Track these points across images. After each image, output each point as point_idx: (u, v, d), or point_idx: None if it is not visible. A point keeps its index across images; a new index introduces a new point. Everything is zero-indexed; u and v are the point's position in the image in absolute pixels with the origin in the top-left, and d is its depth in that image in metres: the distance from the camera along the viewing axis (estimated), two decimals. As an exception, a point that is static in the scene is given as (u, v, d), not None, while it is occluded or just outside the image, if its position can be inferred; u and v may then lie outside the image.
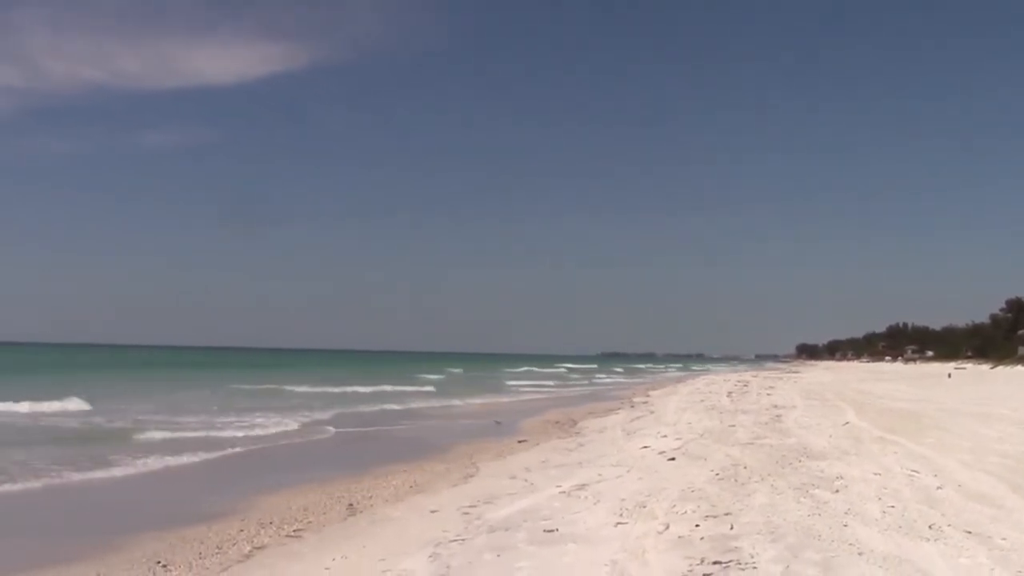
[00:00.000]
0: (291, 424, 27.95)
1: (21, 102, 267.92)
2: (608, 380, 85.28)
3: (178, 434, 23.87)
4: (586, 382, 79.36)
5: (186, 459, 19.54)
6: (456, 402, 43.59)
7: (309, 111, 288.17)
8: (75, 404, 32.84)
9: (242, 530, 12.14)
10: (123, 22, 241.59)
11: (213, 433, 24.66)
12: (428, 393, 50.79)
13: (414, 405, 40.57)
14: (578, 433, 24.98)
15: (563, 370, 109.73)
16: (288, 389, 49.12)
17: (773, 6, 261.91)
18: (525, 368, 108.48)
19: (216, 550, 10.98)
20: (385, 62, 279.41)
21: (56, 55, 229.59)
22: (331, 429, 27.50)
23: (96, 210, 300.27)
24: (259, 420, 28.76)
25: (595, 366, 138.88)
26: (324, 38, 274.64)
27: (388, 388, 53.38)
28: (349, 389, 50.23)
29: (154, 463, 18.73)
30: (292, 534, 11.82)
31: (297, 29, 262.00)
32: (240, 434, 24.67)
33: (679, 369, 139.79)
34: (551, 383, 73.41)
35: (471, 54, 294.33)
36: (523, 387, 63.38)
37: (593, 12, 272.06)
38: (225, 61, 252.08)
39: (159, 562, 10.40)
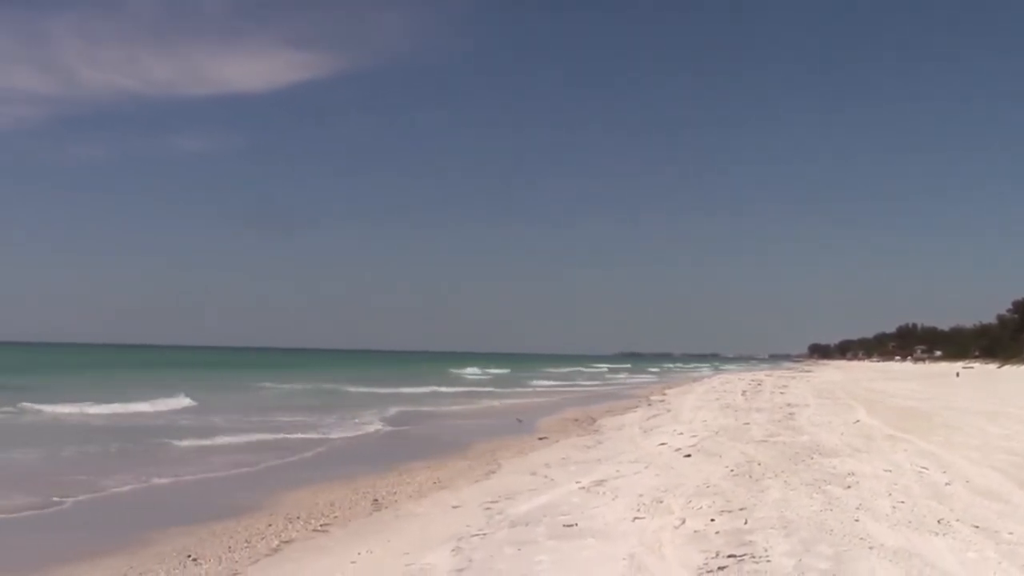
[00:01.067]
0: (376, 424, 28.21)
1: (55, 109, 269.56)
2: (643, 379, 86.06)
3: (283, 435, 23.89)
4: (625, 376, 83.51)
5: (293, 458, 19.80)
6: (511, 401, 43.77)
7: (334, 117, 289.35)
8: (184, 402, 34.71)
9: (270, 525, 12.14)
10: (155, 31, 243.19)
11: (315, 435, 24.52)
12: (484, 393, 50.81)
13: (475, 405, 40.83)
14: (597, 431, 24.90)
15: (604, 369, 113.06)
16: (345, 390, 48.73)
17: (779, 11, 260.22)
18: (572, 368, 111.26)
19: (245, 544, 10.98)
20: (406, 70, 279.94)
21: (89, 63, 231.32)
22: (393, 428, 27.80)
23: (127, 214, 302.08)
24: (341, 420, 29.23)
25: (629, 366, 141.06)
26: (348, 47, 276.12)
27: (446, 389, 53.64)
28: (404, 390, 49.32)
29: (260, 462, 18.79)
30: (319, 529, 11.82)
31: (322, 38, 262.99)
32: (335, 435, 24.70)
33: (711, 368, 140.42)
34: (596, 382, 76.41)
35: (489, 62, 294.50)
36: (564, 386, 63.94)
37: (604, 20, 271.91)
38: (253, 69, 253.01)
39: (189, 556, 10.40)
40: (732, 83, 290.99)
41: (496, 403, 42.36)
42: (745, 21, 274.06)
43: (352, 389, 49.32)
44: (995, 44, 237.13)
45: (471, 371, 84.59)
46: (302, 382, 55.56)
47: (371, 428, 27.15)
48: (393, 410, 33.62)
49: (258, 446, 21.37)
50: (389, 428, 27.61)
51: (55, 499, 13.96)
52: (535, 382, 68.61)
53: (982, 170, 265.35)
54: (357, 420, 29.27)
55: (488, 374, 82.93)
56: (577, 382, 73.79)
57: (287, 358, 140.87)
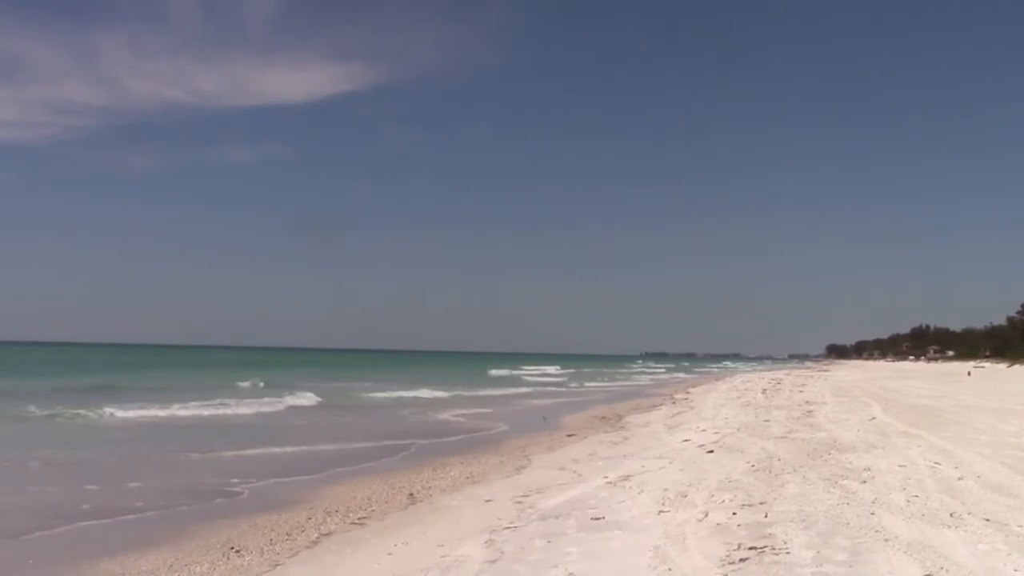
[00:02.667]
0: (501, 426, 27.56)
1: (105, 120, 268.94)
2: (687, 376, 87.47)
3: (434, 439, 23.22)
4: (680, 372, 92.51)
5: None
6: (586, 398, 44.55)
7: (373, 127, 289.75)
8: (311, 399, 36.94)
9: (310, 518, 12.13)
10: (200, 46, 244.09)
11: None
12: (563, 392, 51.47)
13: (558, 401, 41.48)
14: (623, 428, 24.81)
15: (661, 370, 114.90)
16: (422, 393, 45.03)
17: (798, 22, 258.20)
18: (626, 369, 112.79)
19: (286, 536, 10.97)
20: (443, 82, 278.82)
21: (138, 76, 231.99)
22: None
23: (174, 221, 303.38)
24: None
25: (673, 365, 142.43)
26: (386, 60, 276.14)
27: (526, 389, 53.79)
28: (490, 392, 48.55)
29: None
30: (357, 522, 11.80)
31: (361, 52, 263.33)
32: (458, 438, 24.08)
33: (748, 367, 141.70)
34: (650, 380, 78.18)
35: (524, 73, 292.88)
36: (616, 386, 63.99)
37: (623, 34, 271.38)
38: (294, 81, 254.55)
39: (232, 547, 10.41)
40: (751, 91, 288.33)
41: (575, 399, 43.08)
42: (767, 31, 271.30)
43: (432, 394, 44.97)
44: (1003, 44, 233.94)
45: (539, 373, 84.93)
46: (390, 380, 55.00)
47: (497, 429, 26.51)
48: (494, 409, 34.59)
49: (391, 449, 20.79)
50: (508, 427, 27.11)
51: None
52: (588, 383, 67.88)
53: (992, 174, 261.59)
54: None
55: (562, 374, 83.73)
56: (636, 381, 74.20)
57: (354, 359, 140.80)
